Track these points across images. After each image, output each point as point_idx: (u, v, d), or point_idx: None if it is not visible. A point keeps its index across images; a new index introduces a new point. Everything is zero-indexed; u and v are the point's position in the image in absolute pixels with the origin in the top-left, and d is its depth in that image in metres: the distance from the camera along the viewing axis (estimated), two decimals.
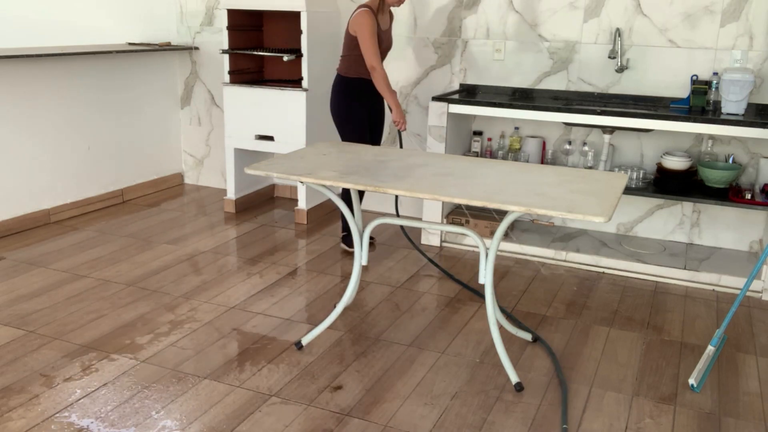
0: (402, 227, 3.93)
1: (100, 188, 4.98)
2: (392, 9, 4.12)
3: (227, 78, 4.82)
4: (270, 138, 4.76)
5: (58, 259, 3.98)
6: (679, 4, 4.01)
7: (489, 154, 4.43)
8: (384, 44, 3.89)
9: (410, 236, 4.26)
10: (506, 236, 4.28)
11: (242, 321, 3.28)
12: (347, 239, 4.22)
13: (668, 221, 4.28)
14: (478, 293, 3.62)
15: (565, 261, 4.10)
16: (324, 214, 4.94)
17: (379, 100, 4.03)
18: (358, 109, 3.93)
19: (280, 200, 5.35)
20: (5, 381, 2.71)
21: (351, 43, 3.82)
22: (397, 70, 4.79)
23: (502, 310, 3.48)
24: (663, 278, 3.90)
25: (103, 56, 4.85)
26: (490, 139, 4.48)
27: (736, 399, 2.74)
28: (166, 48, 5.19)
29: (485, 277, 2.79)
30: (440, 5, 4.56)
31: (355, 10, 3.78)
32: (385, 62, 4.79)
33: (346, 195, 3.92)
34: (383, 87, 3.77)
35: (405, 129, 3.95)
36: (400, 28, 4.72)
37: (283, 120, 4.69)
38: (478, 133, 4.43)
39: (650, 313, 3.50)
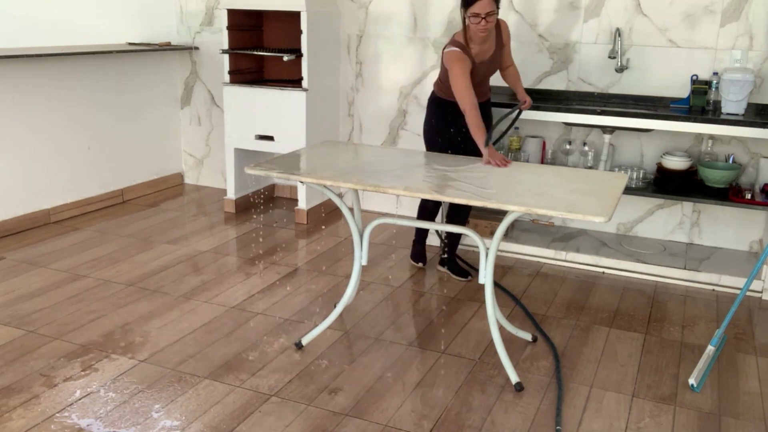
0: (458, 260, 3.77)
1: (100, 188, 4.98)
2: (505, 25, 3.64)
3: (227, 78, 4.82)
4: (270, 138, 4.76)
5: (58, 259, 3.98)
6: (679, 4, 4.01)
7: None
8: (482, 74, 3.57)
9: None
10: (506, 236, 4.28)
11: (242, 321, 3.28)
12: (452, 265, 3.94)
13: (668, 221, 4.28)
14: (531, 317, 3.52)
15: (565, 261, 4.10)
16: (324, 214, 4.94)
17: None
18: (449, 128, 3.64)
19: (280, 200, 5.35)
20: (5, 381, 2.71)
21: (446, 74, 3.51)
22: (397, 70, 4.79)
23: (524, 309, 3.48)
24: (663, 278, 3.90)
25: (103, 56, 4.85)
26: None
27: (736, 399, 2.74)
28: (166, 48, 5.19)
29: (485, 277, 2.78)
30: (440, 5, 4.56)
31: (448, 44, 3.49)
32: (385, 62, 4.81)
33: (426, 212, 3.89)
34: (474, 130, 3.27)
35: (504, 165, 3.07)
36: (400, 28, 4.72)
37: (283, 120, 4.69)
38: None
39: (650, 313, 3.50)
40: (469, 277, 3.85)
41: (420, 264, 4.03)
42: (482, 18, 3.29)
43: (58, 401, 2.59)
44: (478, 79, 3.56)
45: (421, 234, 4.08)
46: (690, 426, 2.55)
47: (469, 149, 3.63)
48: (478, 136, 3.22)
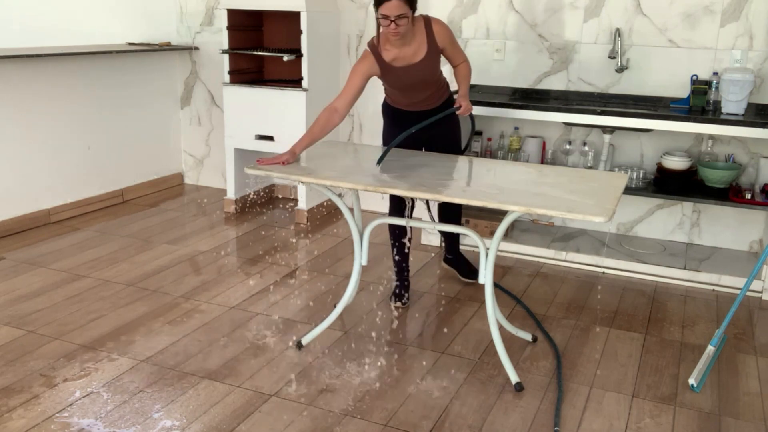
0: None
1: (100, 188, 4.98)
2: (439, 29, 3.24)
3: (227, 78, 4.82)
4: (270, 138, 4.76)
5: (58, 259, 3.98)
6: (679, 4, 4.01)
7: (489, 154, 4.43)
8: (408, 80, 3.25)
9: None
10: (506, 236, 4.28)
11: (242, 321, 3.28)
12: (460, 266, 3.78)
13: (668, 221, 4.28)
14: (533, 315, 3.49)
15: (565, 261, 4.09)
16: (324, 214, 4.94)
17: (438, 126, 3.32)
18: (397, 134, 3.22)
19: (280, 200, 5.35)
20: (5, 381, 2.71)
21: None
22: None
23: (526, 309, 3.47)
24: (663, 278, 3.90)
25: (103, 56, 4.85)
26: (490, 139, 4.48)
27: (736, 399, 2.74)
28: (166, 48, 5.19)
29: (485, 277, 2.78)
30: (440, 5, 4.55)
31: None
32: None
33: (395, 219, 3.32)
34: (310, 127, 3.12)
35: (265, 163, 2.90)
36: None
37: (283, 120, 4.69)
38: (478, 133, 4.43)
39: (650, 313, 3.50)
40: (476, 279, 3.77)
41: (399, 304, 3.50)
42: (392, 21, 2.98)
43: (58, 401, 2.59)
44: (403, 85, 3.27)
45: (403, 271, 3.58)
46: (690, 426, 2.55)
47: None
48: (305, 135, 3.04)
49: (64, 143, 4.67)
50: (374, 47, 3.19)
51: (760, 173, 3.91)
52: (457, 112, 3.28)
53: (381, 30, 3.09)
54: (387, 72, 3.22)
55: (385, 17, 2.99)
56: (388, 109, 3.50)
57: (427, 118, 3.23)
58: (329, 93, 4.90)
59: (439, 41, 3.23)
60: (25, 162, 4.42)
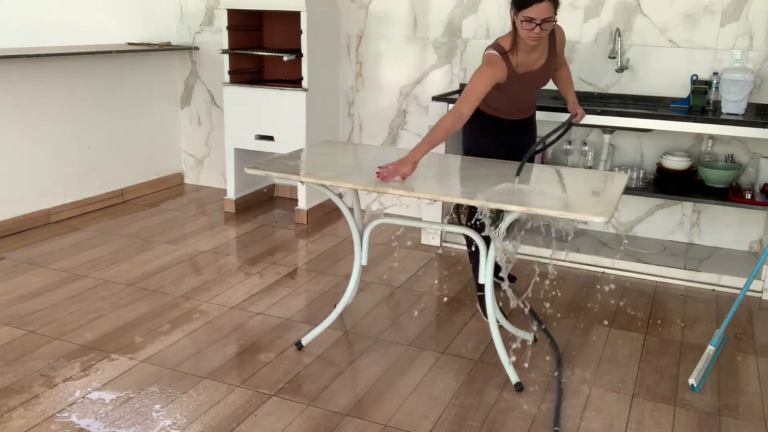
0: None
1: (100, 188, 4.98)
2: (558, 31, 3.13)
3: (227, 78, 4.82)
4: (270, 138, 4.76)
5: (58, 259, 3.98)
6: (679, 4, 4.01)
7: None
8: (526, 88, 3.15)
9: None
10: (506, 236, 4.27)
11: (242, 321, 3.28)
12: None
13: (668, 221, 4.28)
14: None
15: (565, 261, 4.09)
16: (324, 214, 4.94)
17: (524, 136, 3.32)
18: (491, 144, 3.22)
19: (280, 200, 5.35)
20: (5, 381, 2.71)
21: None
22: (398, 70, 4.78)
23: (532, 313, 3.45)
24: (663, 278, 3.90)
25: (103, 56, 4.85)
26: None
27: (736, 399, 2.74)
28: (166, 48, 5.19)
29: (485, 277, 2.78)
30: (440, 5, 4.56)
31: (489, 46, 3.08)
32: (385, 62, 4.81)
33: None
34: (429, 135, 2.78)
35: (386, 179, 2.64)
36: (400, 28, 4.72)
37: (283, 120, 4.69)
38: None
39: (650, 313, 3.50)
40: (510, 283, 3.37)
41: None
42: (537, 24, 2.82)
43: (58, 401, 2.59)
44: (522, 93, 3.17)
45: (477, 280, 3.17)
46: (690, 426, 2.55)
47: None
48: (425, 141, 2.74)
49: (64, 143, 4.67)
50: (505, 53, 2.99)
51: (760, 173, 3.91)
52: (574, 120, 3.26)
53: (519, 34, 2.91)
54: (511, 79, 3.02)
55: (530, 20, 2.82)
56: (483, 119, 3.21)
57: (522, 126, 3.20)
58: (329, 93, 4.91)
59: (558, 46, 3.16)
60: (25, 162, 4.42)
